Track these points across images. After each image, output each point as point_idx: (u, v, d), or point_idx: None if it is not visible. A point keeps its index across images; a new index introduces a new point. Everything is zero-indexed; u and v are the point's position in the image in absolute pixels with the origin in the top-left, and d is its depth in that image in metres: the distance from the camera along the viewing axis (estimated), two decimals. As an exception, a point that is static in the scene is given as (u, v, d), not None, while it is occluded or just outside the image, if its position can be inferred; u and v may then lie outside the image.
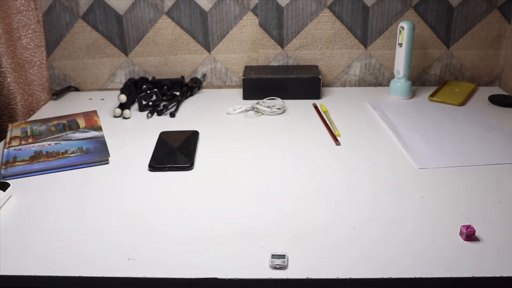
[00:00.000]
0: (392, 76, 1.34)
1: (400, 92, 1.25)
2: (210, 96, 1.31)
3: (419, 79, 1.35)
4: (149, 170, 0.91)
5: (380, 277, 0.62)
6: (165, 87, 1.28)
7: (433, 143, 0.99)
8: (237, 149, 0.99)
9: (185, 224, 0.74)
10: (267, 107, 1.18)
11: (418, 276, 0.61)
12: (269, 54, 1.34)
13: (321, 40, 1.32)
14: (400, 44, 1.20)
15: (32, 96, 1.24)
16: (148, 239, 0.70)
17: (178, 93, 1.28)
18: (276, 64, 1.35)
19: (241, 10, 1.30)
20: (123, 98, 1.18)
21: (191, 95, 1.31)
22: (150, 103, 1.21)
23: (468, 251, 0.66)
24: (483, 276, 0.61)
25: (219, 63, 1.35)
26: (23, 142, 1.01)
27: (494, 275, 0.61)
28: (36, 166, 0.91)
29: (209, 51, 1.34)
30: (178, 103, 1.23)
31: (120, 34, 1.32)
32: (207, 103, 1.26)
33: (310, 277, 0.62)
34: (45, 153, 0.96)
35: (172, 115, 1.17)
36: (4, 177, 0.89)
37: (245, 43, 1.33)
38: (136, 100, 1.23)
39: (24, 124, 1.10)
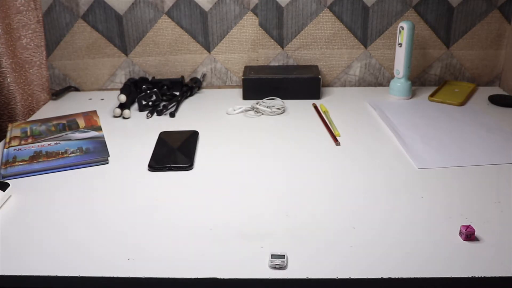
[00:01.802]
0: (392, 76, 1.34)
1: (400, 92, 1.25)
2: (210, 96, 1.31)
3: (419, 79, 1.35)
4: (149, 170, 0.91)
5: (379, 277, 0.62)
6: (165, 87, 1.28)
7: (433, 143, 0.99)
8: (236, 149, 0.99)
9: (185, 224, 0.74)
10: (267, 107, 1.18)
11: (418, 276, 0.61)
12: (269, 54, 1.34)
13: (321, 40, 1.32)
14: (400, 44, 1.20)
15: (32, 96, 1.24)
16: (148, 239, 0.70)
17: (178, 93, 1.28)
18: (276, 64, 1.35)
19: (241, 10, 1.30)
20: (123, 98, 1.18)
21: (191, 95, 1.31)
22: (150, 103, 1.21)
23: (467, 251, 0.66)
24: (482, 276, 0.61)
25: (219, 63, 1.35)
26: (22, 142, 1.01)
27: (493, 275, 0.61)
28: (35, 166, 0.91)
29: (209, 51, 1.34)
30: (178, 103, 1.23)
31: (120, 34, 1.32)
32: (207, 103, 1.26)
33: (309, 277, 0.62)
34: (44, 153, 0.96)
35: (172, 115, 1.17)
36: (4, 177, 0.89)
37: (245, 43, 1.33)
38: (136, 100, 1.23)
39: (24, 124, 1.10)
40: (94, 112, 1.17)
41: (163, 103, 1.24)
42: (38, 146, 0.99)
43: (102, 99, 1.30)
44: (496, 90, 1.31)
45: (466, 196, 0.80)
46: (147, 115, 1.17)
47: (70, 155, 0.95)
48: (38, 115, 1.21)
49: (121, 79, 1.37)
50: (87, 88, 1.38)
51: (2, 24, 1.12)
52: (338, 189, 0.83)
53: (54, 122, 1.11)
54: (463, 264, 0.64)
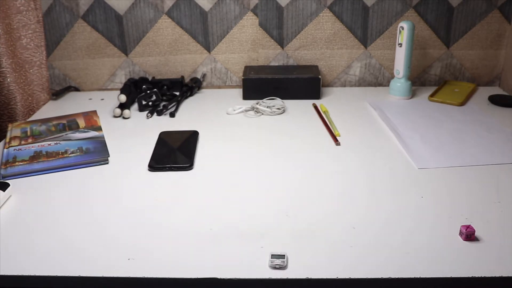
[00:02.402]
0: (392, 76, 1.34)
1: (400, 92, 1.25)
2: (210, 96, 1.31)
3: (419, 79, 1.35)
4: (149, 170, 0.91)
5: (379, 277, 0.62)
6: (165, 87, 1.28)
7: (433, 143, 0.99)
8: (236, 149, 0.99)
9: (185, 224, 0.74)
10: (267, 107, 1.18)
11: (418, 276, 0.61)
12: (269, 54, 1.34)
13: (321, 40, 1.32)
14: (400, 44, 1.20)
15: (32, 96, 1.24)
16: (148, 239, 0.70)
17: (178, 93, 1.28)
18: (276, 64, 1.35)
19: (241, 10, 1.30)
20: (123, 98, 1.18)
21: (191, 95, 1.31)
22: (150, 103, 1.21)
23: (467, 251, 0.66)
24: (482, 276, 0.61)
25: (219, 63, 1.35)
26: (23, 142, 1.01)
27: (493, 275, 0.61)
28: (36, 166, 0.91)
29: (209, 51, 1.34)
30: (178, 103, 1.23)
31: (120, 34, 1.32)
32: (207, 103, 1.26)
33: (309, 277, 0.62)
34: (45, 153, 0.96)
35: (172, 115, 1.17)
36: (4, 177, 0.89)
37: (245, 43, 1.33)
38: (136, 100, 1.23)
39: (24, 124, 1.10)
40: (94, 112, 1.17)
41: (163, 103, 1.24)
42: (38, 146, 0.99)
43: (102, 99, 1.30)
44: (496, 90, 1.31)
45: (466, 196, 0.80)
46: (147, 115, 1.17)
47: (70, 155, 0.95)
48: (38, 115, 1.21)
49: (121, 79, 1.37)
50: (87, 88, 1.38)
51: (2, 24, 1.12)
52: (338, 189, 0.83)
53: (54, 122, 1.11)
54: (463, 264, 0.64)
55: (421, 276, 0.61)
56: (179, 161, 0.93)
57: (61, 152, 0.96)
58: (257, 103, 1.20)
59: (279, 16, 1.30)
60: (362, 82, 1.36)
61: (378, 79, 1.36)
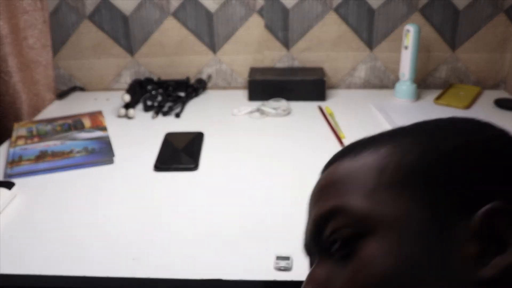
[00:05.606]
0: (397, 79, 1.33)
1: (405, 94, 1.25)
2: (215, 97, 1.31)
3: (424, 82, 1.35)
4: (154, 170, 0.91)
5: (384, 280, 0.61)
6: (170, 87, 1.29)
7: (438, 146, 0.99)
8: (242, 150, 0.99)
9: (189, 225, 0.74)
10: (272, 108, 1.18)
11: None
12: (275, 56, 1.34)
13: (326, 42, 1.32)
14: (406, 47, 1.20)
15: (38, 96, 1.25)
16: (152, 240, 0.71)
17: (183, 94, 1.28)
18: (282, 65, 1.35)
19: (247, 12, 1.30)
20: (127, 97, 1.18)
21: (196, 96, 1.32)
22: (155, 104, 1.21)
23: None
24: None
25: (224, 64, 1.36)
26: (28, 141, 1.01)
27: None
28: (41, 165, 0.91)
29: (214, 52, 1.34)
30: (183, 104, 1.23)
31: (126, 34, 1.32)
32: (212, 104, 1.26)
33: (314, 279, 0.62)
34: (50, 152, 0.96)
35: (177, 115, 1.17)
36: (10, 176, 0.90)
37: (251, 45, 1.33)
38: (141, 100, 1.23)
39: (29, 124, 1.11)
40: (100, 112, 1.17)
41: (169, 103, 1.24)
42: (44, 145, 0.99)
43: (108, 99, 1.30)
44: (501, 94, 1.30)
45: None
46: (152, 115, 1.17)
47: (75, 155, 0.95)
48: (44, 114, 1.22)
49: (126, 79, 1.37)
50: (93, 88, 1.38)
51: (9, 24, 1.13)
52: (343, 191, 0.83)
53: (60, 122, 1.11)
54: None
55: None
56: (184, 162, 0.93)
57: (67, 152, 0.96)
58: (262, 105, 1.20)
59: (285, 18, 1.30)
60: (367, 85, 1.36)
61: (383, 81, 1.36)
